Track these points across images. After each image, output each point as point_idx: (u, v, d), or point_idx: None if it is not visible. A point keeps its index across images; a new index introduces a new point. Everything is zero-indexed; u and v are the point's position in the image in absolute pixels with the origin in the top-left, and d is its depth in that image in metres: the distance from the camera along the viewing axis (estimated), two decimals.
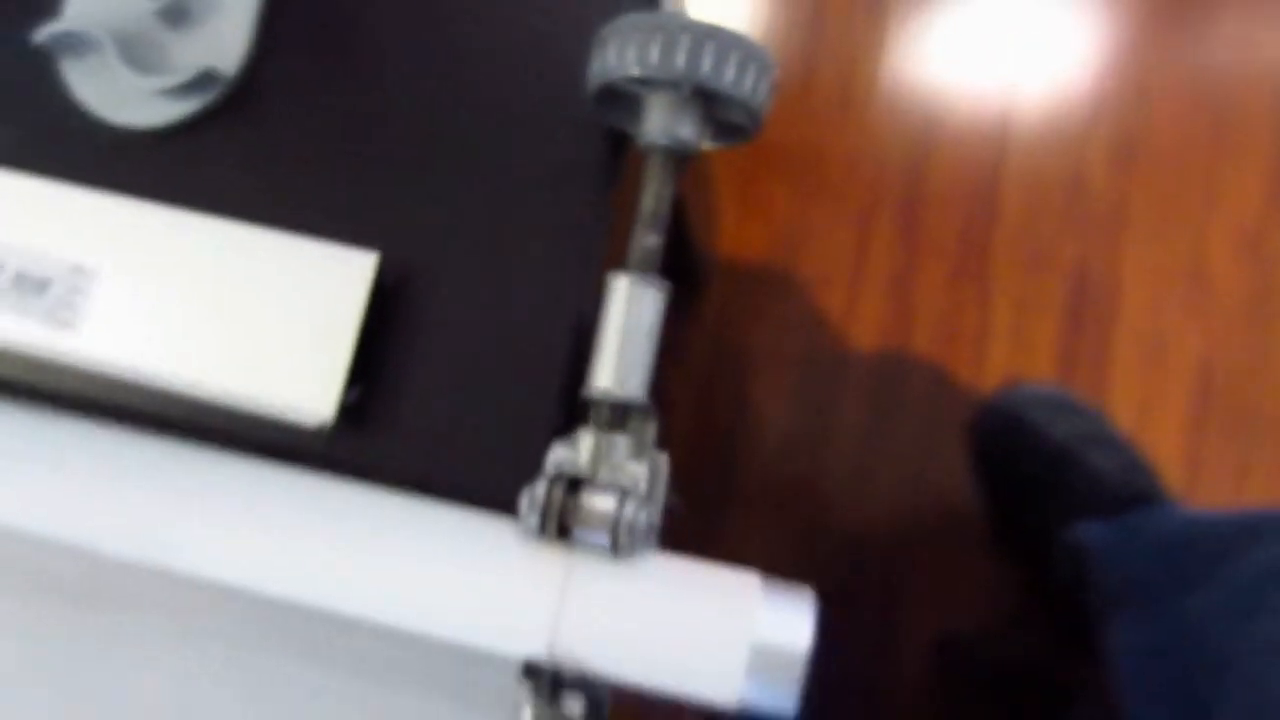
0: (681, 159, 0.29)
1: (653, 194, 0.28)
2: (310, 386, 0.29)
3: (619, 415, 0.28)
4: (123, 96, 0.34)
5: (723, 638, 0.26)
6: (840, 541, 0.98)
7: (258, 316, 0.30)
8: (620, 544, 0.27)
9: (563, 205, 0.30)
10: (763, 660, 0.26)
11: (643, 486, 0.27)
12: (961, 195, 1.04)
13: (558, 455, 0.28)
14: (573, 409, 0.28)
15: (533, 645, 0.27)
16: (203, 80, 0.33)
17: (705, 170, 1.07)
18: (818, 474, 1.00)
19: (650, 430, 0.30)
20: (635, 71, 0.27)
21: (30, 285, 0.31)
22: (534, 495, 0.27)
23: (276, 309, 0.30)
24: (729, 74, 0.27)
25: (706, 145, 0.31)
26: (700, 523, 1.01)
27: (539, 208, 0.30)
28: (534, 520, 0.27)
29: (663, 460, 0.30)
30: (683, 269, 1.01)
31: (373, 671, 0.29)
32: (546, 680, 0.26)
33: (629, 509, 0.26)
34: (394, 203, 0.31)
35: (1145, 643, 0.61)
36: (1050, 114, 1.04)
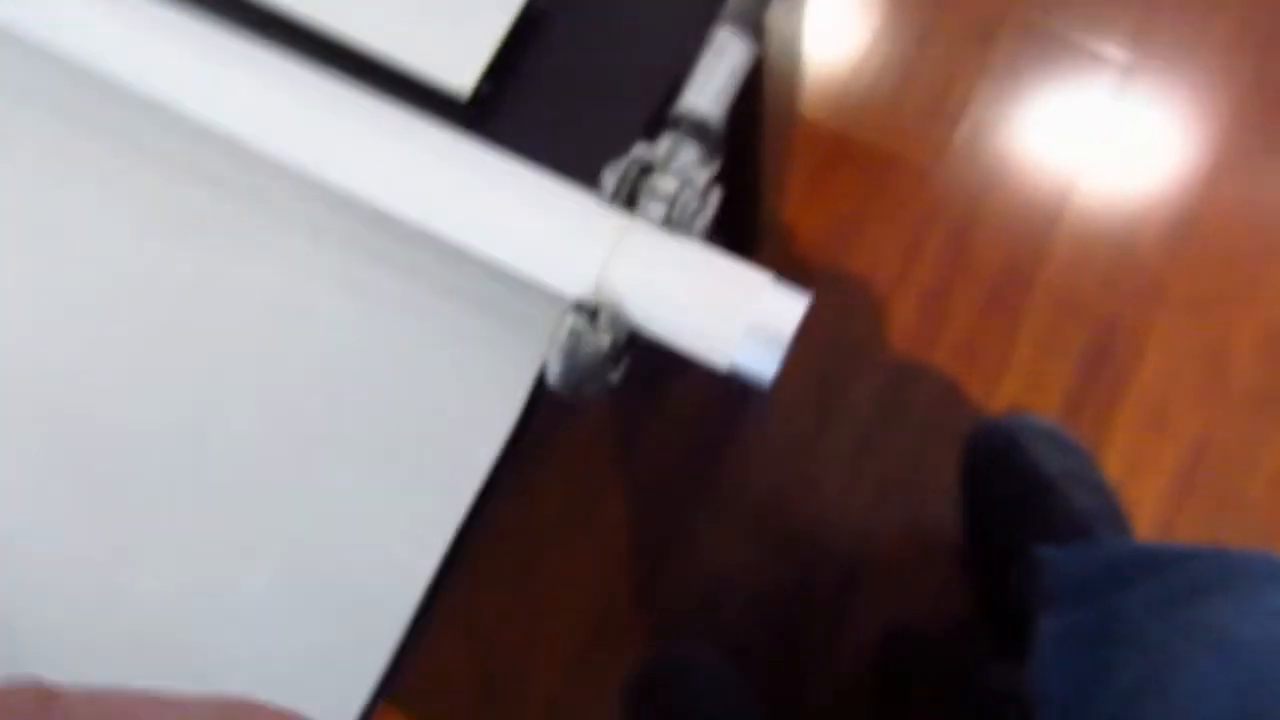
0: None
1: None
2: (458, 57, 0.35)
3: (694, 130, 0.33)
4: None
5: (730, 306, 0.31)
6: (814, 522, 1.03)
7: None
8: (673, 218, 0.32)
9: None
10: (757, 332, 0.31)
11: (700, 183, 0.32)
12: (1015, 231, 1.09)
13: (640, 149, 0.33)
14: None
15: (584, 284, 0.32)
16: None
17: (786, 146, 1.13)
18: (811, 447, 1.05)
19: (712, 164, 0.36)
20: None
21: None
22: (614, 168, 0.33)
23: None
24: None
25: None
26: (695, 469, 1.06)
27: None
28: (610, 185, 0.32)
29: (715, 191, 0.36)
30: (740, 225, 1.07)
31: (427, 281, 0.35)
32: (587, 313, 0.31)
33: (686, 193, 0.32)
34: None
35: (1069, 623, 0.65)
36: (1117, 182, 1.09)
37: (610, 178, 0.32)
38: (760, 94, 0.66)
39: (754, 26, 0.34)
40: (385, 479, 0.34)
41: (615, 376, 0.36)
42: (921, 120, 1.14)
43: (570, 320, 0.31)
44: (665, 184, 0.32)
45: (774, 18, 0.78)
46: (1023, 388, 1.06)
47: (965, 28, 1.15)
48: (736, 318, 0.31)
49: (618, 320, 0.32)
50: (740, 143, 0.80)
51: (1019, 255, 1.09)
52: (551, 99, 0.37)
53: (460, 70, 0.35)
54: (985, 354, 1.07)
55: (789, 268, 1.14)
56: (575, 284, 0.33)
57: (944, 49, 1.15)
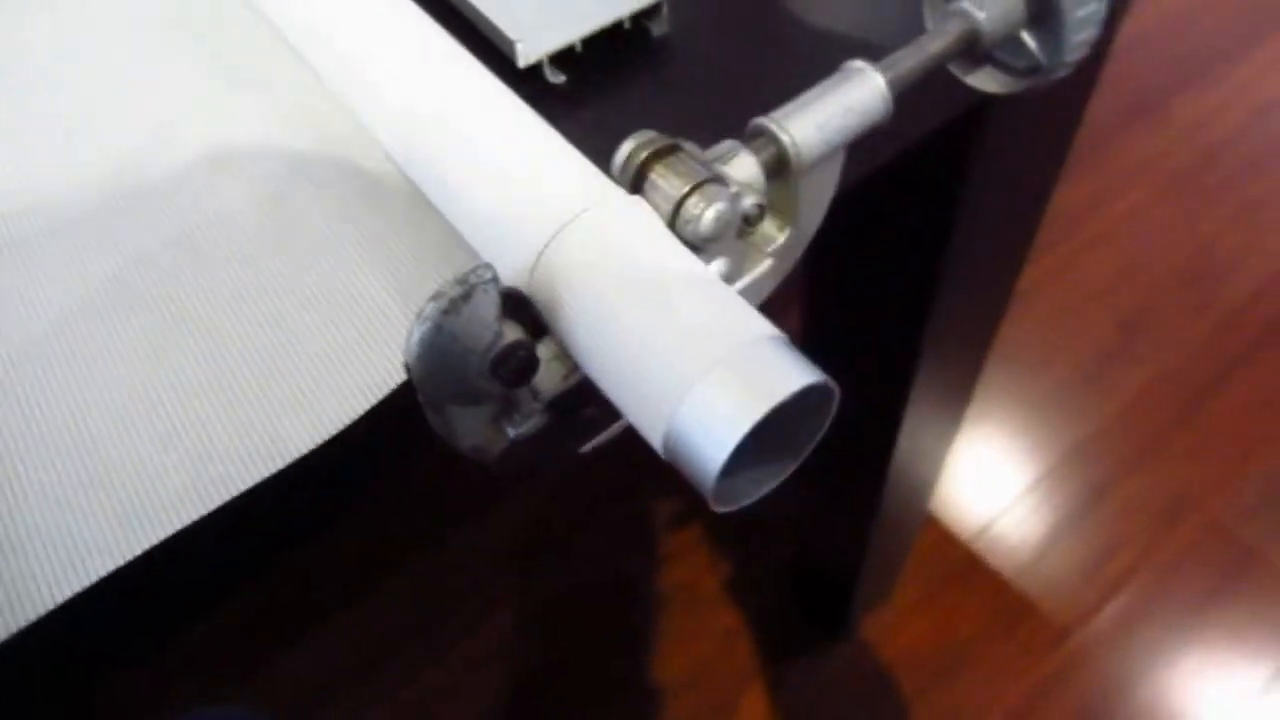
0: (970, 41, 0.26)
1: (937, 43, 0.25)
2: (539, 31, 0.28)
3: (766, 148, 0.23)
4: None
5: (698, 340, 0.19)
6: None
7: None
8: (677, 228, 0.21)
9: None
10: (722, 383, 0.18)
11: (737, 208, 0.21)
12: None
13: (688, 145, 0.23)
14: None
15: (524, 253, 0.21)
16: None
17: (909, 540, 0.99)
18: None
19: (776, 219, 0.25)
20: None
21: None
22: (636, 139, 0.22)
23: None
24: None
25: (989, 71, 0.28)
26: None
27: None
28: (619, 158, 0.22)
29: (764, 258, 0.24)
30: (831, 596, 0.91)
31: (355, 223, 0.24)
32: (500, 295, 0.20)
33: (703, 207, 0.21)
34: None
35: None
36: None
37: (626, 147, 0.22)
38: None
39: (902, 83, 0.25)
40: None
41: (519, 431, 0.23)
42: (1070, 575, 0.98)
43: (454, 291, 0.19)
44: (675, 180, 0.21)
45: (928, 403, 0.69)
46: None
47: (1150, 496, 1.01)
48: (701, 356, 0.19)
49: (540, 323, 0.21)
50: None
51: None
52: (618, 112, 0.29)
53: (533, 42, 0.28)
54: None
55: (873, 670, 0.95)
56: (514, 250, 0.22)
57: (1119, 509, 1.01)
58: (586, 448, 0.25)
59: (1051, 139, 0.53)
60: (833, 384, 0.19)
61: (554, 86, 0.29)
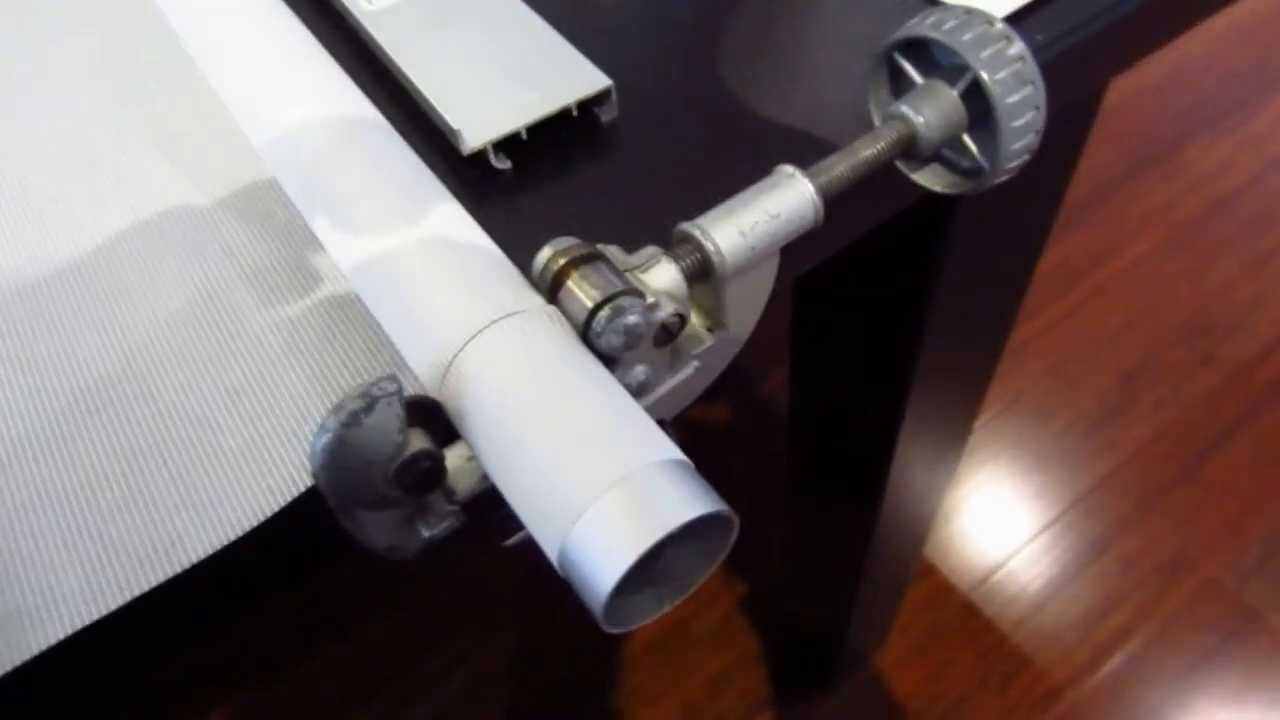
0: (908, 145, 0.26)
1: (872, 148, 0.25)
2: (486, 119, 0.28)
3: (691, 261, 0.23)
4: None
5: (597, 459, 0.19)
6: None
7: None
8: (593, 339, 0.21)
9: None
10: (616, 509, 0.18)
11: (652, 318, 0.21)
12: None
13: (611, 250, 0.23)
14: None
15: (436, 361, 0.21)
16: None
17: (904, 586, 0.98)
18: None
19: (695, 328, 0.25)
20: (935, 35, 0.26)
21: None
22: (554, 246, 0.23)
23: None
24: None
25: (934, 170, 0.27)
26: None
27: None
28: (539, 263, 0.22)
29: (689, 361, 0.24)
30: (818, 636, 0.90)
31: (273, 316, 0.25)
32: (402, 403, 0.20)
33: (605, 313, 0.21)
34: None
35: None
36: None
37: (544, 254, 0.23)
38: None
39: (833, 188, 0.25)
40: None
41: (433, 532, 0.23)
42: (1067, 631, 0.96)
43: (355, 404, 0.19)
44: (588, 288, 0.21)
45: (928, 455, 0.69)
46: None
47: (1150, 553, 1.00)
48: (598, 478, 0.19)
49: (442, 423, 0.21)
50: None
51: None
52: (563, 201, 0.29)
53: (476, 129, 0.28)
54: None
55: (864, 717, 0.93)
56: (428, 355, 0.22)
57: (1118, 565, 1.00)
58: (511, 542, 0.25)
59: (1036, 208, 0.53)
60: (729, 512, 0.19)
61: (500, 172, 0.29)
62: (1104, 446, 1.06)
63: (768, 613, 1.00)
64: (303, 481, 0.22)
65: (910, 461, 0.66)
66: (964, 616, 0.99)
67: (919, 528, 0.84)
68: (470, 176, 0.29)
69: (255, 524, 0.21)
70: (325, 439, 0.19)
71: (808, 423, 0.70)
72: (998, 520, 1.03)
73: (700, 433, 1.09)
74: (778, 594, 1.00)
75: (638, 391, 0.23)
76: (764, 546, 1.00)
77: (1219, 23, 1.36)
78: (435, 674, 0.98)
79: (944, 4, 0.31)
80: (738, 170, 0.26)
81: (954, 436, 0.75)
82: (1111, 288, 1.16)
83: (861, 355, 0.58)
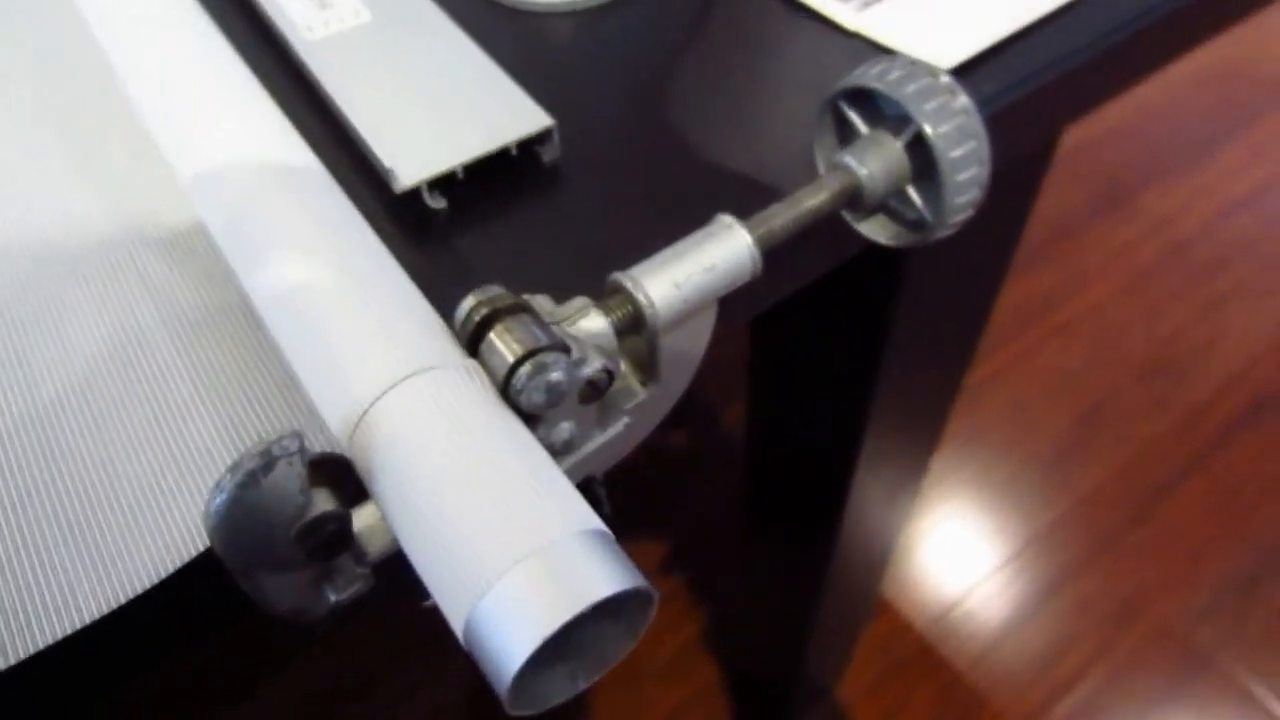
0: (852, 196, 0.25)
1: (814, 199, 0.25)
2: (421, 157, 0.27)
3: (623, 313, 0.22)
4: None
5: (510, 531, 0.18)
6: None
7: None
8: (513, 396, 0.20)
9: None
10: (528, 581, 0.17)
11: (577, 375, 0.20)
12: None
13: (539, 300, 0.22)
14: None
15: (346, 415, 0.20)
16: None
17: (861, 625, 0.97)
18: None
19: (629, 380, 0.24)
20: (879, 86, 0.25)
21: None
22: (477, 296, 0.22)
23: None
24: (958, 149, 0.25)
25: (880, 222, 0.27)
26: None
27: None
28: (460, 313, 0.21)
29: (620, 418, 0.23)
30: (779, 662, 0.89)
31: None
32: (331, 467, 0.19)
33: (525, 370, 0.20)
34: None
35: None
36: None
37: (467, 303, 0.22)
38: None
39: (773, 240, 0.24)
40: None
41: (341, 596, 0.22)
42: (1023, 670, 0.96)
43: (252, 463, 0.18)
44: (511, 342, 0.20)
45: (885, 489, 0.68)
46: None
47: (1104, 595, 1.00)
48: (509, 549, 0.18)
49: (351, 478, 0.20)
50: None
51: None
52: (500, 244, 0.28)
53: (409, 167, 0.27)
54: None
55: None
56: (339, 409, 0.21)
57: (1072, 606, 1.00)
58: (430, 604, 0.24)
59: (991, 250, 0.53)
60: (648, 588, 0.18)
61: (435, 212, 0.28)
62: (1060, 486, 1.06)
63: (726, 646, 0.99)
64: (203, 540, 0.20)
65: (866, 497, 0.66)
66: (919, 656, 0.98)
67: (876, 563, 0.83)
68: (405, 216, 0.28)
69: (149, 585, 0.20)
70: (220, 500, 0.18)
71: (764, 456, 0.69)
72: (955, 557, 1.03)
73: (658, 463, 1.08)
74: (735, 627, 0.99)
75: (562, 450, 0.22)
76: (721, 579, 0.99)
77: (1177, 71, 1.39)
78: (388, 702, 0.96)
79: (894, 53, 0.31)
80: (681, 215, 0.26)
81: (911, 473, 0.74)
82: (1069, 329, 1.17)
83: (817, 390, 0.58)
